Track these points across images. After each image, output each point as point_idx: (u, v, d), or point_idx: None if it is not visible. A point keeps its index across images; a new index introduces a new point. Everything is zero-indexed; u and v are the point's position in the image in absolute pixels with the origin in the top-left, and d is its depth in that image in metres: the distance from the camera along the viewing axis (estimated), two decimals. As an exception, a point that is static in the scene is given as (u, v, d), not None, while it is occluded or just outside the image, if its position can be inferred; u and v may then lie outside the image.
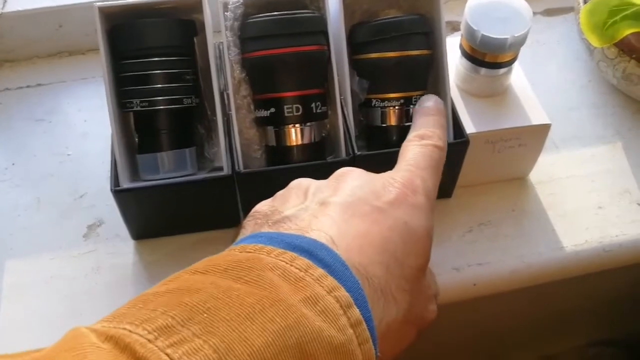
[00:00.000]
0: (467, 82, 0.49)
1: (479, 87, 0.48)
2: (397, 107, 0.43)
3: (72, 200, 0.50)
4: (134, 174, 0.44)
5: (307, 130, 0.42)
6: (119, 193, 0.41)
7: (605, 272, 0.49)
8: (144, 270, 0.46)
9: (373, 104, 0.44)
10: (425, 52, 0.43)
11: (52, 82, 0.59)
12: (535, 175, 0.52)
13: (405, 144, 0.36)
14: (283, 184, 0.35)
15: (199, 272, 0.26)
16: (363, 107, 0.45)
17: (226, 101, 0.44)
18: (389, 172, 0.34)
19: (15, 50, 0.60)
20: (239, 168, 0.42)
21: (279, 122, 0.42)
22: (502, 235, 0.48)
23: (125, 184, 0.42)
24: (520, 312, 0.63)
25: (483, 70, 0.47)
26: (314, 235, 0.28)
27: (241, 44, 0.42)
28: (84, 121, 0.56)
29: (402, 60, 0.42)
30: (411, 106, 0.43)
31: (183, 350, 0.21)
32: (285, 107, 0.41)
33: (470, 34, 0.45)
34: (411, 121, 0.39)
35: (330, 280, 0.25)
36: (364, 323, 0.25)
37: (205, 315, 0.22)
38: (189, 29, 0.43)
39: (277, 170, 0.42)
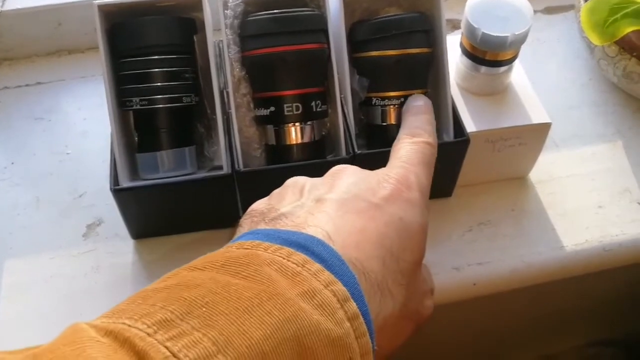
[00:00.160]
0: (467, 81, 0.49)
1: (479, 85, 0.48)
2: (397, 106, 0.43)
3: (71, 199, 0.50)
4: (134, 173, 0.44)
5: (307, 128, 0.42)
6: (118, 192, 0.41)
7: (605, 271, 0.49)
8: (144, 269, 0.46)
9: (373, 103, 0.44)
10: (425, 50, 0.43)
11: (51, 80, 0.59)
12: (535, 174, 0.52)
13: (396, 142, 0.37)
14: (283, 183, 0.35)
15: (198, 268, 0.26)
16: (363, 106, 0.45)
17: (226, 100, 0.44)
18: (383, 169, 0.34)
19: (15, 48, 0.60)
20: (238, 167, 0.42)
21: (278, 121, 0.42)
22: (502, 235, 0.48)
23: (125, 183, 0.42)
24: (520, 311, 0.63)
25: (483, 69, 0.47)
26: (311, 231, 0.29)
27: (241, 42, 0.42)
28: (83, 120, 0.56)
29: (402, 58, 0.42)
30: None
31: (182, 343, 0.21)
32: (285, 105, 0.41)
33: (471, 32, 0.45)
34: None
35: (327, 275, 0.26)
36: (360, 317, 0.25)
37: (204, 309, 0.22)
38: (189, 27, 0.43)
39: (277, 169, 0.42)
